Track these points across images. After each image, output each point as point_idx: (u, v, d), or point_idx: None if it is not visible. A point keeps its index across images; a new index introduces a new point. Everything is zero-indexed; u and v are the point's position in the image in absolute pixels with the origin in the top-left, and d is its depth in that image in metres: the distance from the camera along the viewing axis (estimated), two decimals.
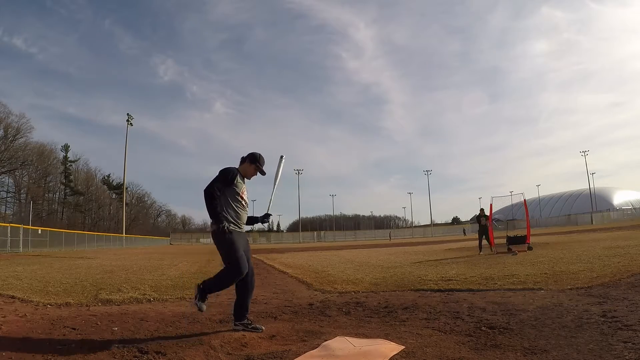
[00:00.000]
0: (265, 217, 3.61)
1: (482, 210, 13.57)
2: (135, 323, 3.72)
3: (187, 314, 4.15)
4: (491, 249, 12.43)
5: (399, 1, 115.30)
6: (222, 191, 3.32)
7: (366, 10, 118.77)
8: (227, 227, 3.25)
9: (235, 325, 3.43)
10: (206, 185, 3.28)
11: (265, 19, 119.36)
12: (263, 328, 3.46)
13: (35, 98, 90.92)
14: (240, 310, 3.45)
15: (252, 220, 3.66)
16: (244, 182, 3.49)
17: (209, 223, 3.44)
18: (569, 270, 6.52)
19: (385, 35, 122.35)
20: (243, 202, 3.43)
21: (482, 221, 13.15)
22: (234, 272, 3.26)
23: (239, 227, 3.41)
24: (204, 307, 3.28)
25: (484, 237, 12.88)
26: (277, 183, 3.70)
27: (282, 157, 3.77)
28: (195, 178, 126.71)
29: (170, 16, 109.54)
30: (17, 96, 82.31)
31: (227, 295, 5.65)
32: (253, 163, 3.51)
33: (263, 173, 3.58)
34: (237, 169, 3.45)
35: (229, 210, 3.34)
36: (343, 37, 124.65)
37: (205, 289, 3.27)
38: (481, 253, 12.19)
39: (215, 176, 3.35)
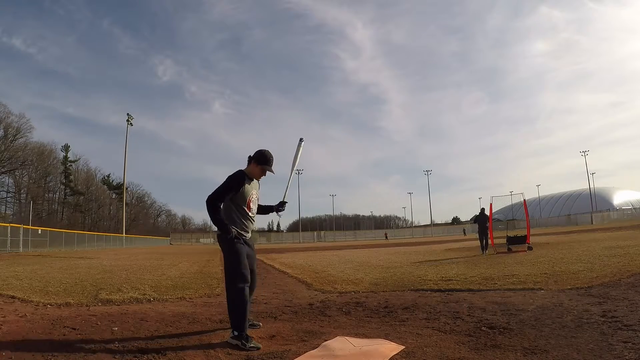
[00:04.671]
0: (281, 206, 3.41)
1: (482, 210, 13.37)
2: (135, 323, 3.71)
3: (187, 314, 4.15)
4: (493, 249, 12.33)
5: (397, 1, 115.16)
6: (227, 199, 3.12)
7: (364, 10, 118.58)
8: (235, 235, 3.08)
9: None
10: (210, 193, 3.07)
11: (264, 19, 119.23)
12: (260, 324, 3.53)
13: (35, 98, 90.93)
14: None
15: (266, 209, 3.48)
16: (251, 185, 3.23)
17: (213, 224, 3.29)
18: (569, 270, 6.52)
19: (383, 35, 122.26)
20: (247, 209, 3.21)
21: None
22: (237, 282, 3.05)
23: (245, 235, 3.21)
24: (252, 342, 2.91)
25: (484, 237, 12.65)
26: (294, 169, 3.46)
27: (301, 140, 3.50)
28: (195, 178, 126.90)
29: (168, 16, 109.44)
30: (17, 96, 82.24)
31: None
32: (260, 164, 3.25)
33: (272, 172, 3.32)
34: (243, 172, 3.21)
35: (235, 219, 3.16)
36: (341, 37, 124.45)
37: (236, 327, 2.97)
38: (484, 254, 12.01)
39: (221, 183, 3.13)
